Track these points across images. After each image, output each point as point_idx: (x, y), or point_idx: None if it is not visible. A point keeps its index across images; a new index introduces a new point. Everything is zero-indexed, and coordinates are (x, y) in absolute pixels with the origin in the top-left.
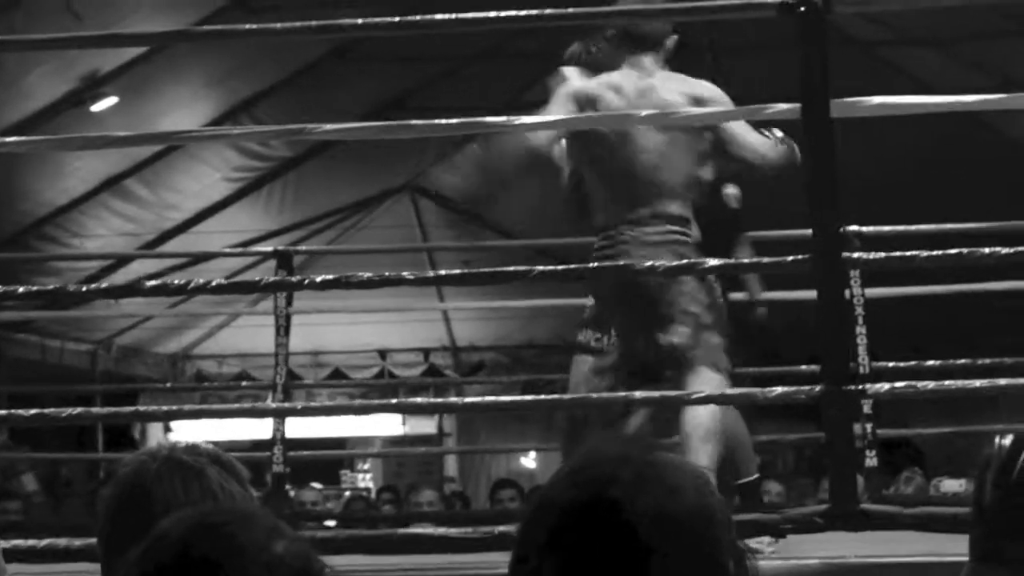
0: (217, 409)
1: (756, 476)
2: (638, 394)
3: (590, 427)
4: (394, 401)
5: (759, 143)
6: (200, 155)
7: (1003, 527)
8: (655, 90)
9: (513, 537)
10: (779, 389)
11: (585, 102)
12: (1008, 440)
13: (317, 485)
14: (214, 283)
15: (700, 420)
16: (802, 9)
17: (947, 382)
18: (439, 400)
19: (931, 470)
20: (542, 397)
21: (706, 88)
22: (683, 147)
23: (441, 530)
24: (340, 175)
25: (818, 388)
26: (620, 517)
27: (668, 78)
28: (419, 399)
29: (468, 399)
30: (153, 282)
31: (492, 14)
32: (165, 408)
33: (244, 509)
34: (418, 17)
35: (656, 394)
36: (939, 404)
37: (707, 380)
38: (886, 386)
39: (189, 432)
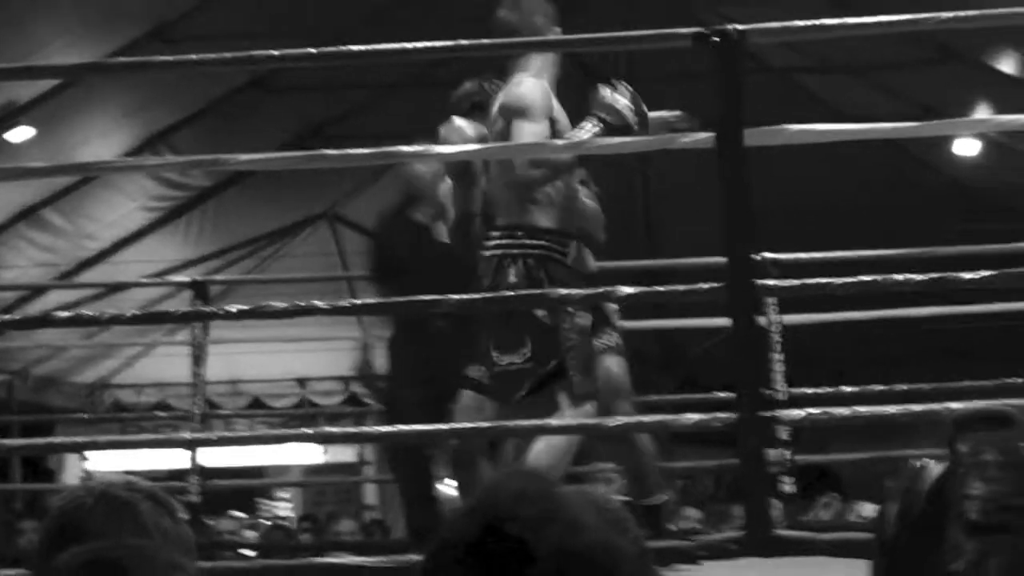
0: (132, 440)
1: (664, 499)
2: (554, 422)
3: (474, 456)
4: (310, 431)
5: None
6: (118, 185)
7: (904, 560)
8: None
9: None
10: (695, 417)
11: None
12: (911, 470)
13: (239, 514)
14: (128, 314)
15: (539, 457)
16: (716, 40)
17: (862, 408)
18: (356, 429)
19: (850, 495)
20: (461, 425)
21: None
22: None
23: (359, 559)
24: (259, 204)
25: (733, 415)
26: (522, 555)
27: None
28: (336, 428)
29: (386, 428)
30: (66, 313)
31: (409, 45)
32: (80, 439)
33: (142, 545)
34: (334, 48)
35: (573, 422)
36: (858, 429)
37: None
38: (800, 412)
39: (106, 463)
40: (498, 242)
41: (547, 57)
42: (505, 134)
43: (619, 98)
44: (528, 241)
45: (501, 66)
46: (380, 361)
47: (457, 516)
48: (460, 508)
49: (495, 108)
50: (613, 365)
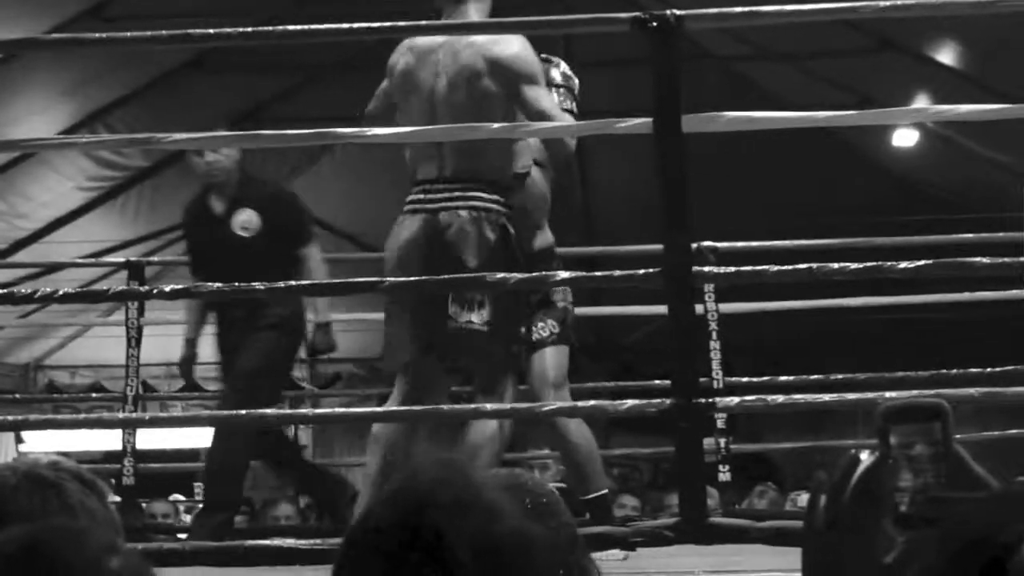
0: (65, 420)
1: (605, 491)
2: (489, 407)
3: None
4: (243, 412)
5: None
6: (53, 163)
7: (834, 552)
8: (459, 53)
9: None
10: (630, 402)
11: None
12: (841, 461)
13: (180, 497)
14: (61, 292)
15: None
16: (654, 25)
17: (797, 396)
18: (291, 411)
19: (787, 484)
20: (392, 409)
21: (508, 47)
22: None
23: (290, 542)
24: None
25: (668, 401)
26: (438, 541)
27: (472, 41)
28: (271, 410)
29: (321, 410)
30: None
31: (346, 25)
32: (11, 418)
33: (76, 526)
34: (269, 28)
35: (507, 406)
36: (796, 419)
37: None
38: (735, 400)
39: (41, 444)
40: (464, 195)
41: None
42: (485, 94)
43: (571, 76)
44: (494, 196)
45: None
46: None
47: (377, 502)
48: (381, 494)
49: (462, 61)
50: (547, 355)
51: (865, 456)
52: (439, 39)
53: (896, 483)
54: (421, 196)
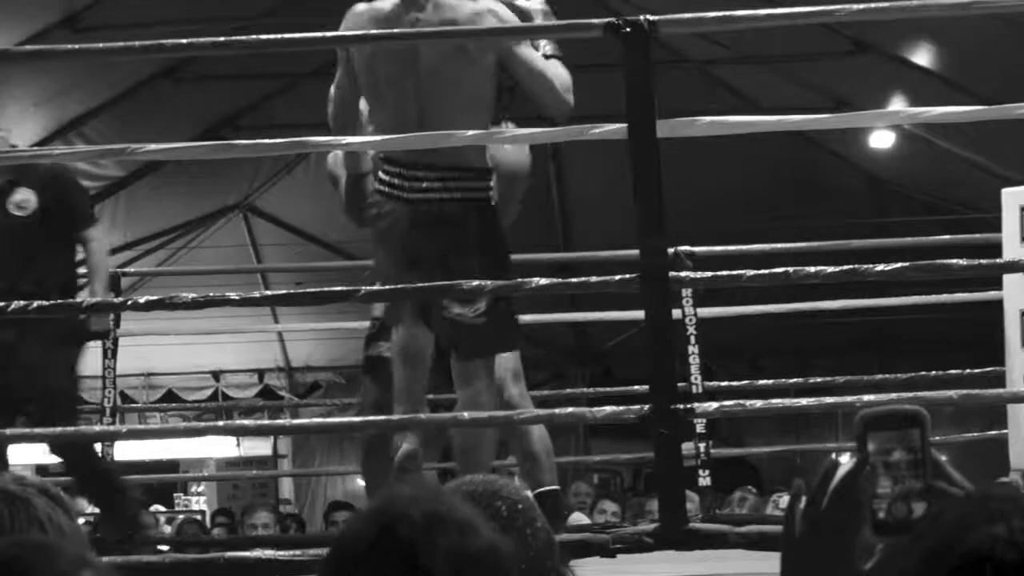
0: (38, 433)
1: (558, 488)
2: (466, 415)
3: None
4: (221, 424)
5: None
6: None
7: (812, 557)
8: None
9: None
10: (608, 409)
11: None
12: (819, 467)
13: (160, 508)
14: (34, 304)
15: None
16: (627, 30)
17: (776, 401)
18: (270, 422)
19: (768, 486)
20: (372, 419)
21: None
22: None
23: (270, 552)
24: (172, 194)
25: (646, 407)
26: (411, 557)
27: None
28: (249, 421)
29: (299, 421)
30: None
31: (321, 34)
32: None
33: (46, 541)
34: (243, 37)
35: (484, 415)
36: (776, 421)
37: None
38: (714, 405)
39: (17, 456)
40: (450, 184)
41: None
42: (473, 56)
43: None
44: (478, 184)
45: None
46: None
47: (355, 517)
48: (361, 510)
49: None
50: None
51: (844, 462)
52: (417, 14)
53: (874, 489)
54: (397, 181)
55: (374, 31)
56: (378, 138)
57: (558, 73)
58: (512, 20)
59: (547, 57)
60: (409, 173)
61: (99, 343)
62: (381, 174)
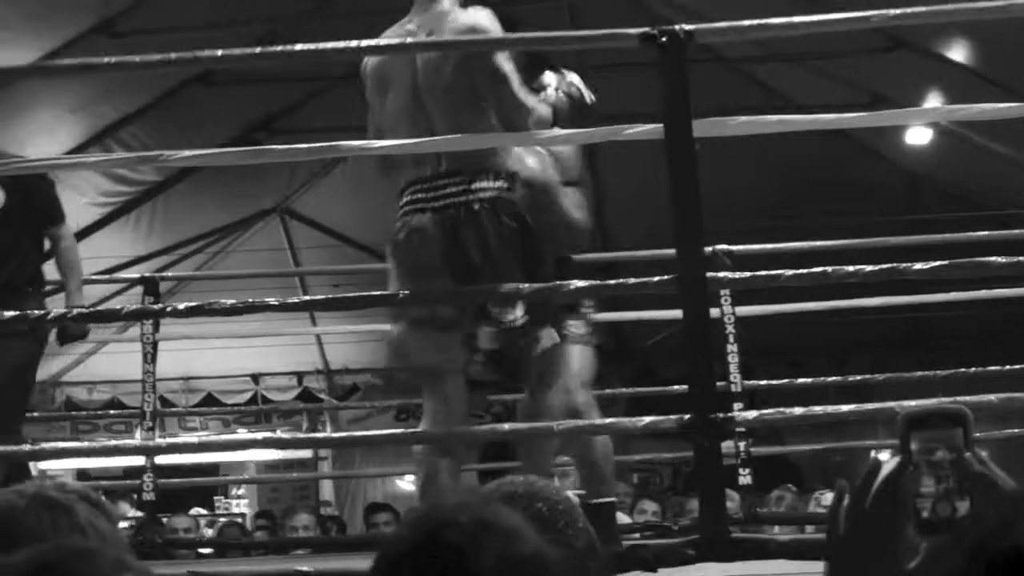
0: (83, 447)
1: (613, 500)
2: (506, 426)
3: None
4: (260, 436)
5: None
6: (67, 180)
7: (856, 558)
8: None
9: None
10: (648, 419)
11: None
12: (864, 467)
13: (202, 510)
14: (75, 312)
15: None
16: (664, 40)
17: (816, 408)
18: (309, 435)
19: (809, 484)
20: (410, 431)
21: (481, 19)
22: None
23: (311, 567)
24: (209, 198)
25: (686, 416)
26: (459, 562)
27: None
28: (287, 435)
29: (340, 434)
30: (11, 312)
31: (352, 44)
32: (28, 448)
33: (86, 546)
34: (275, 48)
35: (523, 426)
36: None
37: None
38: (753, 413)
39: (61, 462)
40: (470, 187)
41: None
42: (472, 73)
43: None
44: (499, 184)
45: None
46: None
47: (403, 523)
48: (410, 515)
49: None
50: (578, 353)
51: (886, 462)
52: (410, 25)
53: (918, 489)
54: (421, 195)
55: (394, 41)
56: (407, 141)
57: (533, 103)
58: (493, 29)
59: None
60: (431, 184)
61: (139, 347)
62: (406, 196)
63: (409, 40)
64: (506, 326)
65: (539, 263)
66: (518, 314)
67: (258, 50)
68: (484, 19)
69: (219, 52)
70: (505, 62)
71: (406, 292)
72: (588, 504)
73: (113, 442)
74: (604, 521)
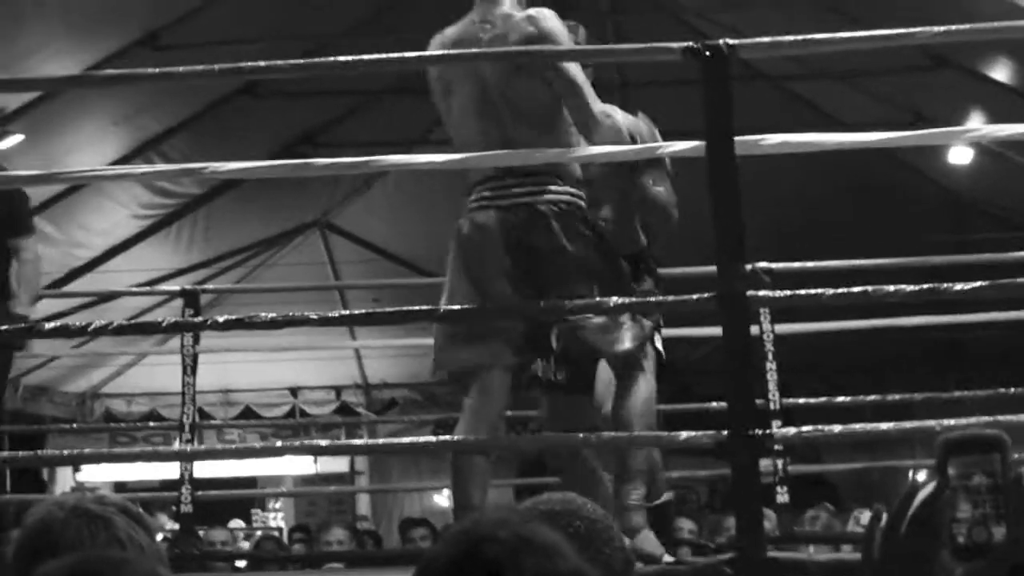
0: (121, 453)
1: (667, 499)
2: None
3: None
4: (297, 444)
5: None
6: (109, 192)
7: None
8: (506, 34)
9: None
10: (685, 434)
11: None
12: (901, 491)
13: (241, 523)
14: (115, 324)
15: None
16: (707, 54)
17: (855, 426)
18: (345, 442)
19: (846, 503)
20: (447, 439)
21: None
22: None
23: None
24: (250, 212)
25: (724, 433)
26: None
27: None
28: (326, 441)
29: (377, 440)
30: (53, 324)
31: (396, 55)
32: (67, 452)
33: (117, 556)
34: (320, 59)
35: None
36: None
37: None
38: (792, 431)
39: (99, 473)
40: (537, 188)
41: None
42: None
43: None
44: (567, 188)
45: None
46: None
47: (442, 540)
48: (449, 530)
49: (511, 41)
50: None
51: (923, 485)
52: (476, 24)
53: (954, 513)
54: (488, 193)
55: (443, 51)
56: (455, 156)
57: (596, 102)
58: (555, 28)
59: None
60: (499, 182)
61: (178, 359)
62: (473, 194)
63: (467, 49)
64: (579, 323)
65: (617, 274)
66: (625, 340)
67: (301, 61)
68: (550, 21)
69: (262, 63)
70: (574, 69)
71: (443, 309)
72: (649, 507)
73: (151, 449)
74: (663, 519)
